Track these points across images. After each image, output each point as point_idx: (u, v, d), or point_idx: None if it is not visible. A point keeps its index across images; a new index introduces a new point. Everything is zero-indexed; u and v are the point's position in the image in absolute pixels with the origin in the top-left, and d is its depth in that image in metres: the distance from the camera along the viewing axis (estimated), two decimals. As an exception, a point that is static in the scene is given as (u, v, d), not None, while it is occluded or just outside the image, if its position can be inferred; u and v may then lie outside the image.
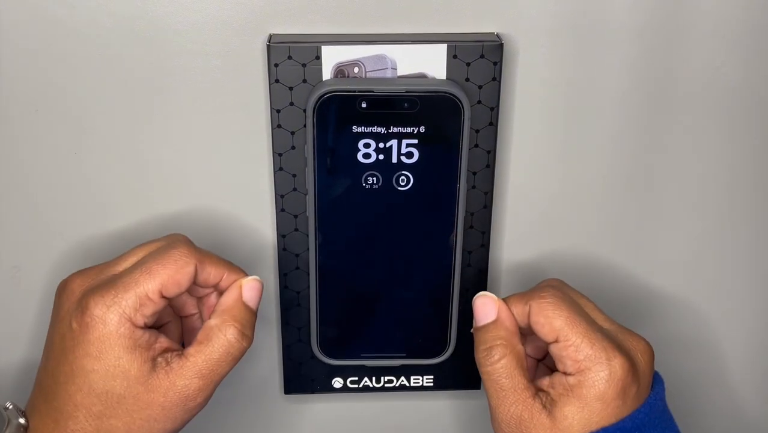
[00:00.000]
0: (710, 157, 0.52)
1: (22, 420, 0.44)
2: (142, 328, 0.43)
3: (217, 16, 0.46)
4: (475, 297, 0.47)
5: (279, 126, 0.48)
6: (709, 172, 0.52)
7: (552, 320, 0.44)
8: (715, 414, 0.60)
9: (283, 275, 0.52)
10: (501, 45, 0.46)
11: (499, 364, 0.45)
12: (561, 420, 0.44)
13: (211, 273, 0.46)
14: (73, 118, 0.48)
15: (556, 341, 0.44)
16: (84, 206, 0.51)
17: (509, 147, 0.51)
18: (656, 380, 0.46)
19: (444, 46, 0.46)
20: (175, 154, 0.50)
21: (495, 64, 0.46)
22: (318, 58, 0.46)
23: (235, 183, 0.51)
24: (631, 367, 0.44)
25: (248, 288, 0.46)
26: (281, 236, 0.51)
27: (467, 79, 0.47)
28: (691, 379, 0.59)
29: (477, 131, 0.48)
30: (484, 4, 0.47)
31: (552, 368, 0.46)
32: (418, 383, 0.55)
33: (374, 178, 0.47)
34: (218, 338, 0.44)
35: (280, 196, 0.50)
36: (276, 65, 0.46)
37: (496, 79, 0.47)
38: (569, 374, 0.44)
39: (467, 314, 0.53)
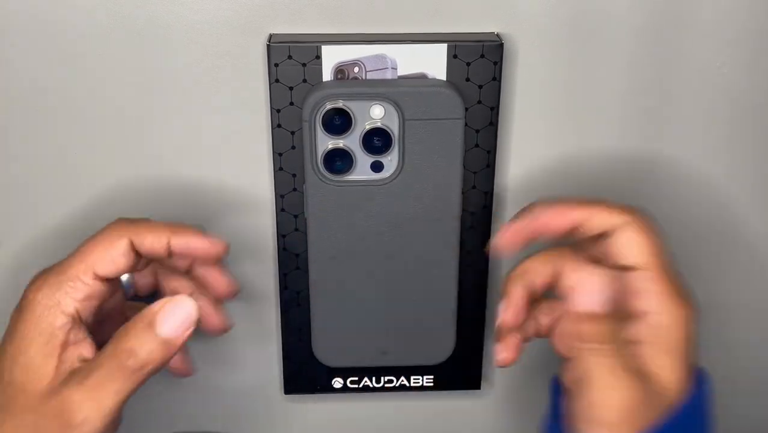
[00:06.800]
0: (710, 157, 0.52)
1: None
2: (71, 317, 0.41)
3: (217, 15, 0.46)
4: None
5: (279, 126, 0.48)
6: (709, 172, 0.52)
7: (642, 244, 0.40)
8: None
9: (283, 275, 0.52)
10: (501, 45, 0.46)
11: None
12: (656, 375, 0.40)
13: (153, 241, 0.42)
14: (73, 118, 0.48)
15: (634, 268, 0.40)
16: (84, 205, 0.51)
17: (509, 147, 0.51)
18: (704, 377, 0.43)
19: (444, 46, 0.46)
20: (175, 153, 0.50)
21: (495, 64, 0.46)
22: (318, 57, 0.46)
23: (235, 183, 0.51)
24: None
25: (164, 315, 0.40)
26: (281, 235, 0.51)
27: (467, 79, 0.47)
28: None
29: (477, 131, 0.48)
30: (484, 4, 0.47)
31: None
32: (418, 383, 0.55)
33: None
34: (113, 347, 0.40)
35: (280, 196, 0.50)
36: (276, 65, 0.46)
37: (496, 79, 0.47)
38: (651, 313, 0.40)
39: (467, 314, 0.53)
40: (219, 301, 0.48)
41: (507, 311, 0.45)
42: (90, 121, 0.49)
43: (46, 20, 0.46)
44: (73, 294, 0.41)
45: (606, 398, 0.40)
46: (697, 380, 0.42)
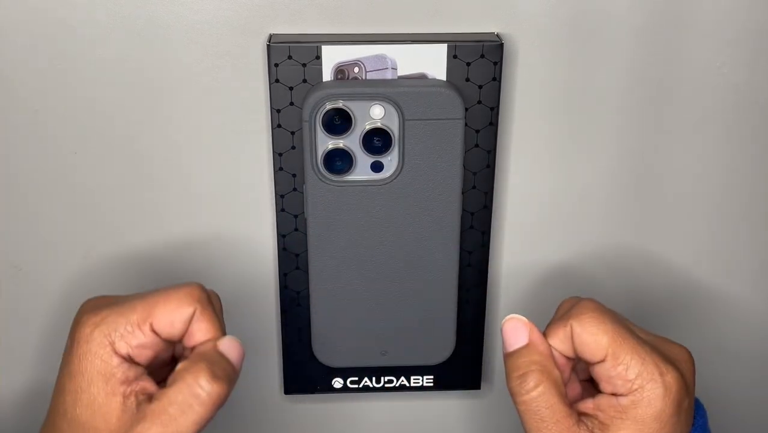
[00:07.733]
0: (710, 157, 0.52)
1: None
2: (123, 358, 0.41)
3: (217, 15, 0.46)
4: (503, 321, 0.44)
5: (279, 126, 0.48)
6: (709, 171, 0.52)
7: (598, 338, 0.41)
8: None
9: (283, 275, 0.52)
10: (501, 45, 0.46)
11: (536, 392, 0.41)
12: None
13: (203, 328, 0.43)
14: (73, 118, 0.48)
15: (603, 360, 0.41)
16: (83, 205, 0.51)
17: (509, 147, 0.51)
18: (699, 408, 0.44)
19: (444, 46, 0.46)
20: (175, 154, 0.50)
21: (495, 64, 0.46)
22: (318, 58, 0.46)
23: (235, 183, 0.51)
24: (683, 380, 0.41)
25: (226, 340, 0.43)
26: (281, 235, 0.51)
27: (467, 79, 0.47)
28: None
29: (477, 131, 0.48)
30: (484, 4, 0.47)
31: (597, 389, 0.44)
32: (418, 383, 0.55)
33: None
34: (183, 380, 0.41)
35: (280, 197, 0.50)
36: (276, 65, 0.46)
37: (496, 79, 0.47)
38: (621, 395, 0.41)
39: (467, 314, 0.53)
40: None
41: None
42: (90, 121, 0.49)
43: (46, 20, 0.46)
44: (127, 339, 0.41)
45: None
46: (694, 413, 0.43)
